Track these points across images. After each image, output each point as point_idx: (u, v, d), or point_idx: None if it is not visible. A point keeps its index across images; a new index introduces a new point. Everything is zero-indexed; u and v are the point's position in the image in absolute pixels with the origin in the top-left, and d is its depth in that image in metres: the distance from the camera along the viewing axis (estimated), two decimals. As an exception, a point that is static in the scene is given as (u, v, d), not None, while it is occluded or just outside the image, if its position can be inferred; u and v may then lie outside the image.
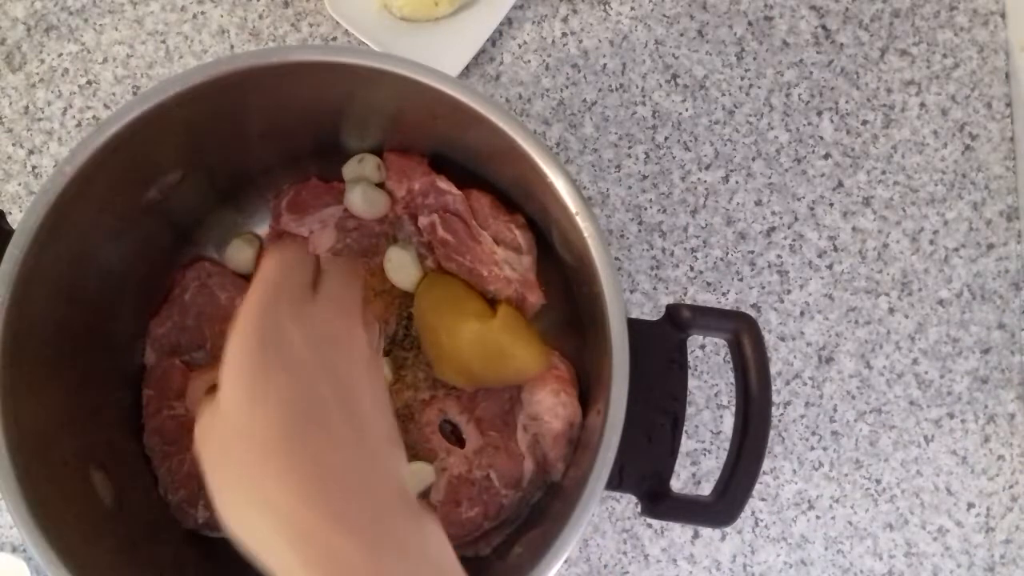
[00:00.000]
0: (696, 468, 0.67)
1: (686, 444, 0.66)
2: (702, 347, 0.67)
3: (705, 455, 0.67)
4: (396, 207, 0.60)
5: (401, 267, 0.59)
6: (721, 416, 0.67)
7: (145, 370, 0.60)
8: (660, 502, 0.49)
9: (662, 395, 0.50)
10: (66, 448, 0.51)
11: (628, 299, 0.58)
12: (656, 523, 0.66)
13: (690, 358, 0.66)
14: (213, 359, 0.60)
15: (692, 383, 0.66)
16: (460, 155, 0.57)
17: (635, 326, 0.47)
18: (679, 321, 0.50)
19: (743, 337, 0.49)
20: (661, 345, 0.50)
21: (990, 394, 0.68)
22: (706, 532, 0.66)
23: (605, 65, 0.70)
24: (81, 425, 0.53)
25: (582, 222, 0.48)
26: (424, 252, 0.60)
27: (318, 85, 0.51)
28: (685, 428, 0.61)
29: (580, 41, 0.70)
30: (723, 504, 0.49)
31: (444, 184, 0.58)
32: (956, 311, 0.68)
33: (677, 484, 0.60)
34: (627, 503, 0.66)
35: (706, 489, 0.59)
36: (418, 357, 0.60)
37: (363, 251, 0.60)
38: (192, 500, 0.57)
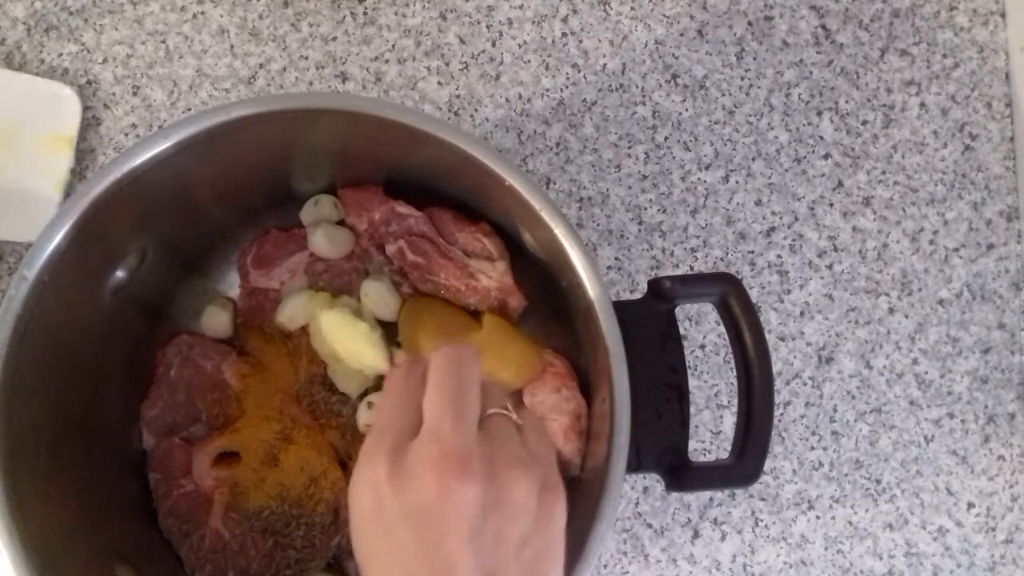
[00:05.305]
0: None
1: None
2: (702, 347, 0.67)
3: (705, 455, 0.66)
4: (361, 241, 0.60)
5: (379, 299, 0.59)
6: (721, 416, 0.66)
7: (146, 455, 0.59)
8: (682, 475, 0.49)
9: (662, 370, 0.50)
10: (86, 548, 0.50)
11: (628, 299, 0.58)
12: (656, 523, 0.65)
13: (690, 358, 0.66)
14: (212, 430, 0.59)
15: (692, 383, 0.65)
16: (414, 176, 0.57)
17: (621, 308, 0.47)
18: (663, 293, 0.50)
19: (729, 298, 0.49)
20: (650, 321, 0.50)
21: (990, 394, 0.67)
22: (706, 532, 0.65)
23: (605, 65, 0.69)
24: (96, 522, 0.52)
25: (548, 218, 0.48)
26: (398, 279, 0.60)
27: (258, 137, 0.51)
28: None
29: (580, 41, 0.69)
30: (743, 464, 0.49)
31: (404, 208, 0.58)
32: (956, 311, 0.68)
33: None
34: (626, 503, 0.65)
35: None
36: (415, 384, 0.59)
37: (337, 291, 0.60)
38: (220, 574, 0.57)
